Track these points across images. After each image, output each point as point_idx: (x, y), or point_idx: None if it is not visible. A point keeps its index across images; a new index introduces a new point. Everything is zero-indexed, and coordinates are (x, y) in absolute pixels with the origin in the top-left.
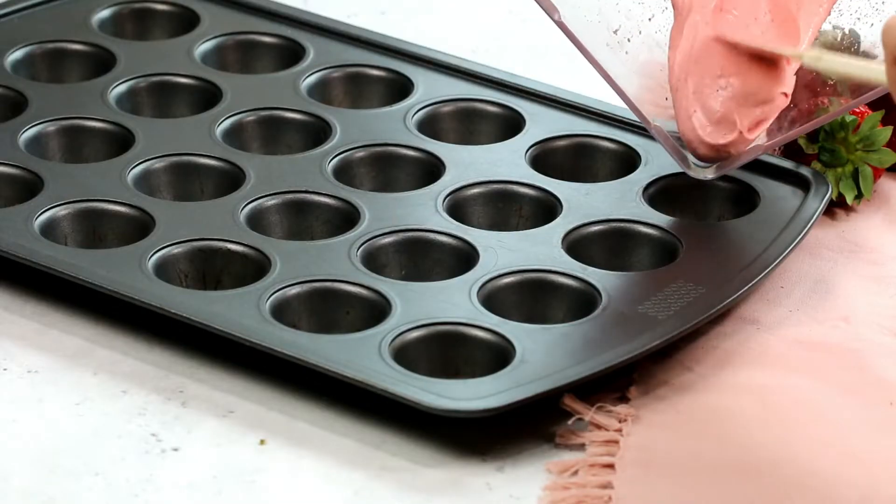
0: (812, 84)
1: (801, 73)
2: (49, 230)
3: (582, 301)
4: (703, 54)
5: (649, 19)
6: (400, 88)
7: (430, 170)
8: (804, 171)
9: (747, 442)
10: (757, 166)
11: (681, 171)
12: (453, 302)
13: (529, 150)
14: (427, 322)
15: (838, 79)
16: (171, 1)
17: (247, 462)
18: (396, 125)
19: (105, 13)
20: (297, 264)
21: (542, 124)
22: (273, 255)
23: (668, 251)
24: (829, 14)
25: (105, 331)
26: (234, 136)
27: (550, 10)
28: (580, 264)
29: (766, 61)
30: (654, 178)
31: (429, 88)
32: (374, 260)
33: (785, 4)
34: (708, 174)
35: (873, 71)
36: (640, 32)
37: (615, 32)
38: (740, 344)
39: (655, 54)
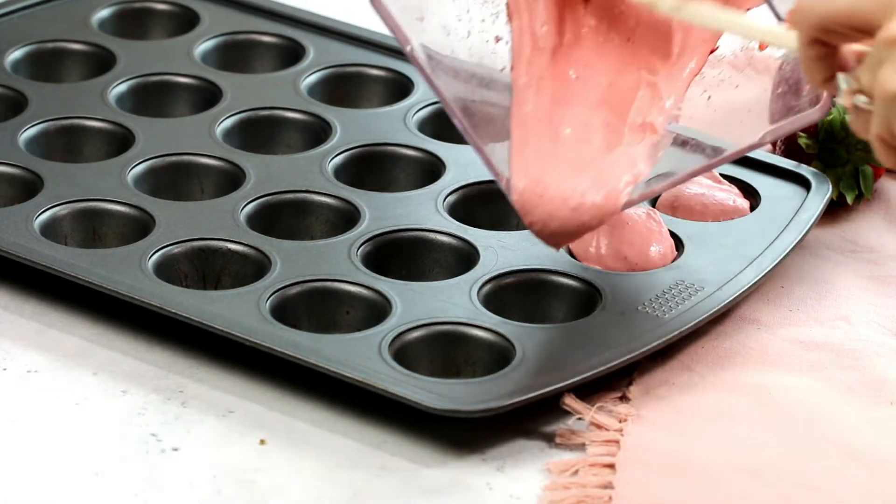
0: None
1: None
2: (49, 230)
3: (582, 301)
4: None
5: (501, 70)
6: (400, 88)
7: (430, 170)
8: (804, 170)
9: (747, 442)
10: (757, 166)
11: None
12: (453, 302)
13: None
14: (427, 322)
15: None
16: (171, 1)
17: (247, 462)
18: (396, 125)
19: (105, 13)
20: (297, 264)
21: None
22: (273, 255)
23: None
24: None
25: (105, 331)
26: (234, 136)
27: (403, 42)
28: (580, 263)
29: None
30: (658, 175)
31: (428, 88)
32: (374, 260)
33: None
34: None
35: (764, 33)
36: (491, 79)
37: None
38: (740, 344)
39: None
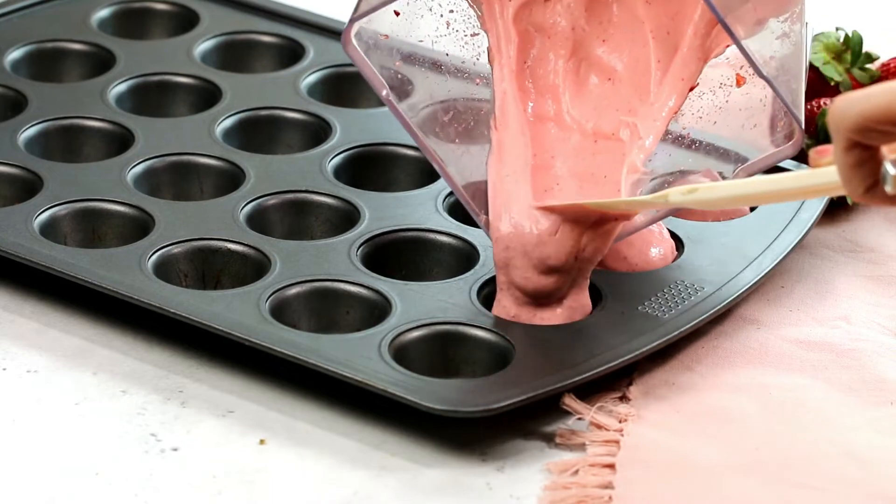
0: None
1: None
2: (49, 230)
3: None
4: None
5: (482, 111)
6: None
7: (430, 170)
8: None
9: (747, 442)
10: None
11: (678, 170)
12: (453, 302)
13: None
14: (427, 322)
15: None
16: (170, 1)
17: (247, 462)
18: (396, 125)
19: (105, 13)
20: (297, 264)
21: None
22: (273, 255)
23: None
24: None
25: (105, 331)
26: (234, 135)
27: (379, 87)
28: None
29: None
30: (657, 176)
31: (428, 89)
32: (373, 260)
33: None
34: None
35: (792, 179)
36: (473, 121)
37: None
38: (740, 344)
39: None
